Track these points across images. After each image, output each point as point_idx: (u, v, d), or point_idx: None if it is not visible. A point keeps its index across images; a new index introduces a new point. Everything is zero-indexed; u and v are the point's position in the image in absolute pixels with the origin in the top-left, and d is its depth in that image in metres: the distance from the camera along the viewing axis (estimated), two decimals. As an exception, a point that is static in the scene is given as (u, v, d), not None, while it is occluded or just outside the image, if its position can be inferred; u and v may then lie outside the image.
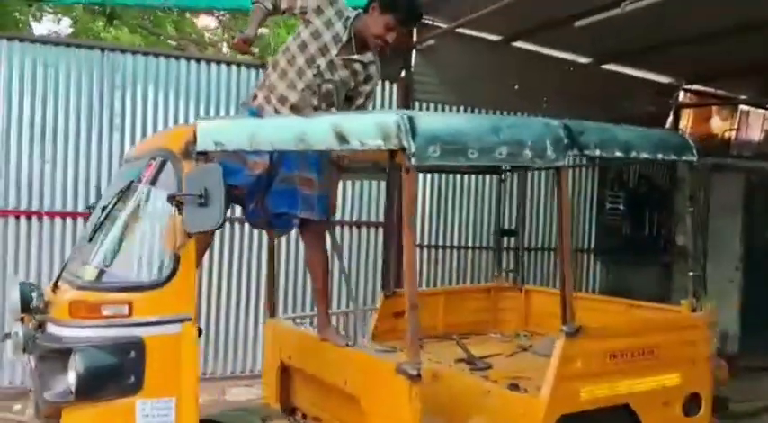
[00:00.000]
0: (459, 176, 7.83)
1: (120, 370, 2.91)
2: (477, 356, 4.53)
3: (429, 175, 7.75)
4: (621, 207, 8.84)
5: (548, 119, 3.78)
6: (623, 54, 8.53)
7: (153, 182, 3.09)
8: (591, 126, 3.86)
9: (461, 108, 8.21)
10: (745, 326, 9.14)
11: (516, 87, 8.38)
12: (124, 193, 3.18)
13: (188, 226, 2.81)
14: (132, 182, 3.22)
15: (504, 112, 8.25)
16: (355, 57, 3.95)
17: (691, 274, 4.18)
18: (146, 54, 6.99)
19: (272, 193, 3.82)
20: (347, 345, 3.87)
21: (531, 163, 3.61)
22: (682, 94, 9.49)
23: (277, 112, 3.88)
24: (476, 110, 8.29)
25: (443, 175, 7.87)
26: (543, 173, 7.92)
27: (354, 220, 7.77)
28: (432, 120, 3.63)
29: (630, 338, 3.86)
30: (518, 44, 8.38)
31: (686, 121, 9.61)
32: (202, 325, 7.04)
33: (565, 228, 3.68)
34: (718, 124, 9.84)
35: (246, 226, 6.85)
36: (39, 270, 6.47)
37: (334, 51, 3.90)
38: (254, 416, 4.11)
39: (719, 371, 8.64)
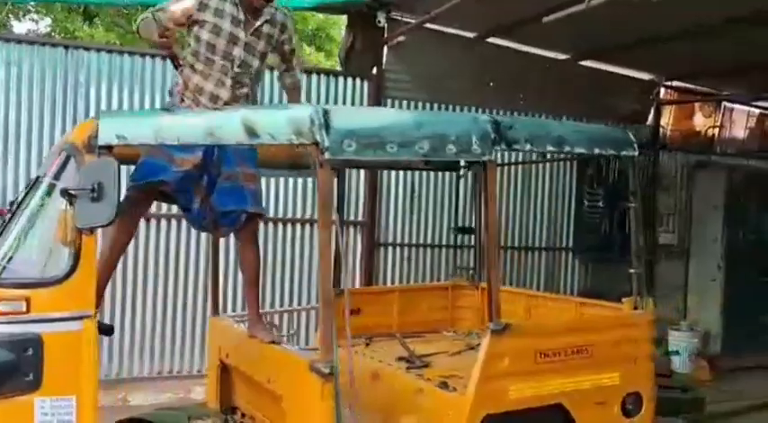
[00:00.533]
0: (431, 173, 7.75)
1: (17, 367, 2.86)
2: (417, 355, 4.47)
3: (402, 173, 7.69)
4: (601, 204, 8.72)
5: (480, 114, 3.72)
6: (602, 50, 8.42)
7: (56, 176, 3.03)
8: (522, 121, 3.81)
9: (434, 105, 8.12)
10: (728, 325, 9.02)
11: (492, 84, 8.30)
12: (30, 189, 3.14)
13: (79, 221, 2.76)
14: (38, 177, 3.18)
15: (480, 109, 8.18)
16: (258, 23, 3.93)
17: (632, 271, 4.08)
18: (110, 52, 6.96)
19: (219, 192, 3.79)
20: (273, 341, 3.81)
21: (455, 158, 3.55)
22: (663, 90, 9.36)
23: None
24: (450, 107, 8.20)
25: (416, 173, 7.81)
26: (507, 168, 7.86)
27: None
28: (349, 114, 3.57)
29: (563, 337, 3.77)
30: (493, 40, 8.29)
31: (668, 117, 9.47)
32: (168, 324, 7.06)
33: (491, 224, 3.60)
34: (701, 121, 9.70)
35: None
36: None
37: (242, 34, 3.88)
38: (182, 414, 4.06)
39: (700, 371, 8.60)
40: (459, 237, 6.29)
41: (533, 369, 3.65)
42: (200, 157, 3.70)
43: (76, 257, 2.90)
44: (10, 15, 10.93)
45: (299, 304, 7.15)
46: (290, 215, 7.54)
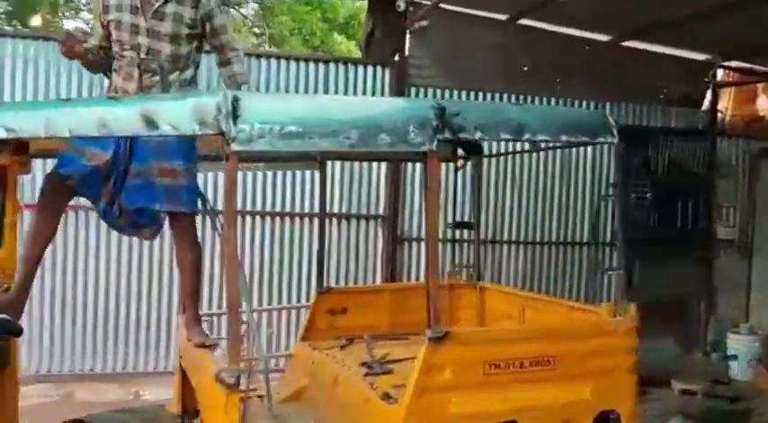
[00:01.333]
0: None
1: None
2: (386, 360, 4.16)
3: (410, 166, 7.35)
4: (648, 196, 8.05)
5: (421, 99, 3.38)
6: (647, 29, 7.75)
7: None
8: (472, 105, 3.47)
9: (461, 93, 7.71)
10: (794, 329, 8.18)
11: (525, 69, 7.81)
12: None
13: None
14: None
15: (512, 96, 7.73)
16: (158, 4, 3.69)
17: (610, 273, 3.62)
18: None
19: (127, 190, 3.60)
20: (201, 345, 3.60)
21: (390, 147, 3.20)
22: (720, 71, 8.55)
23: None
24: (478, 95, 7.77)
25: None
26: (505, 159, 7.40)
27: (352, 212, 7.49)
28: (265, 101, 3.28)
29: (518, 345, 3.38)
30: (526, 22, 7.79)
31: (727, 101, 8.65)
32: (120, 320, 6.97)
33: (431, 220, 3.25)
34: (765, 105, 8.81)
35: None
36: None
37: (142, 21, 3.67)
38: (133, 418, 3.92)
39: (761, 379, 7.83)
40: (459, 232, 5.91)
41: (482, 382, 3.29)
42: (110, 154, 3.52)
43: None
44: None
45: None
46: (288, 209, 7.40)
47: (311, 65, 7.32)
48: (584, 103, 8.02)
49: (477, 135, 3.31)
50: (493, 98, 7.78)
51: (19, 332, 3.20)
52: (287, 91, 7.17)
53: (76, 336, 6.92)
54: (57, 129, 2.89)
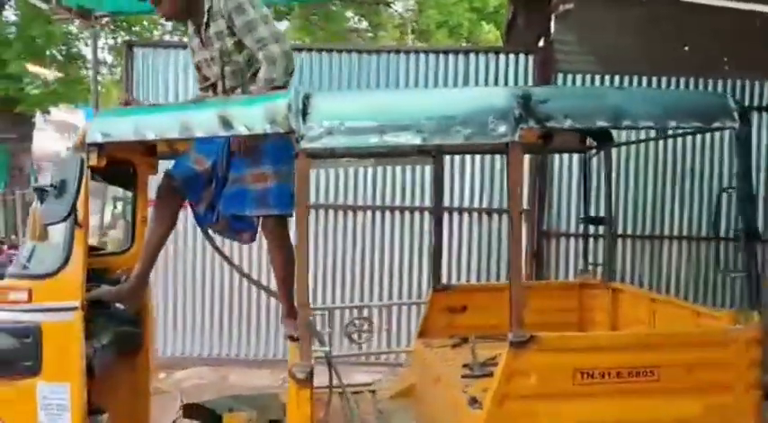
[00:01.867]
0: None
1: (21, 351, 3.11)
2: (485, 362, 3.99)
3: (557, 156, 6.96)
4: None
5: (506, 87, 3.19)
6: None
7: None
8: (564, 91, 3.21)
9: (615, 78, 7.20)
10: None
11: (687, 48, 7.13)
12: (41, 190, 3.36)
13: (43, 217, 2.89)
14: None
15: (672, 80, 7.12)
16: (203, 31, 3.77)
17: (731, 275, 3.20)
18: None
19: (224, 196, 3.74)
20: (290, 337, 3.65)
21: (468, 140, 3.05)
22: None
23: None
24: (633, 79, 7.21)
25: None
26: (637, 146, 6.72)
27: (493, 206, 7.29)
28: (334, 98, 3.25)
29: (614, 353, 3.08)
30: (686, -4, 7.09)
31: None
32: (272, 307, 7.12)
33: (514, 217, 3.05)
34: None
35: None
36: None
37: (200, 54, 3.84)
38: (246, 404, 4.10)
39: None
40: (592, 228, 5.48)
41: (572, 391, 3.04)
42: (212, 162, 3.69)
43: (69, 252, 3.07)
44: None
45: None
46: (398, 203, 7.29)
47: (450, 57, 7.18)
48: (757, 85, 7.19)
49: (567, 124, 3.06)
50: (649, 83, 7.20)
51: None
52: (426, 86, 7.11)
53: (233, 322, 7.37)
54: (145, 132, 3.08)
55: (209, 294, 7.35)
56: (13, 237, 10.81)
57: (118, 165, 4.19)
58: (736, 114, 3.14)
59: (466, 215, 7.26)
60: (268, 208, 3.69)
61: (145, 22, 11.26)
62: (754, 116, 7.19)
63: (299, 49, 7.52)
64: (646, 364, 3.05)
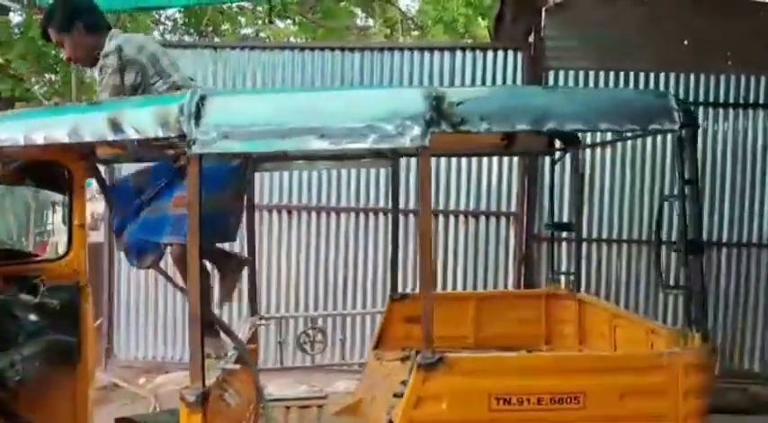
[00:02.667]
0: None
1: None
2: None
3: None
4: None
5: (415, 88, 2.95)
6: None
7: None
8: (482, 92, 2.93)
9: (609, 74, 6.85)
10: None
11: (686, 43, 6.75)
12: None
13: None
14: None
15: (673, 76, 6.76)
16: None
17: (670, 292, 2.91)
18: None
19: (143, 221, 3.64)
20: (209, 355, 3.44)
21: (376, 144, 2.81)
22: None
23: None
24: (629, 75, 6.86)
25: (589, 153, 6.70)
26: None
27: (481, 208, 6.99)
28: (231, 100, 3.01)
29: (533, 377, 2.81)
30: (685, -13, 6.73)
31: None
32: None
33: (423, 224, 2.80)
34: None
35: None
36: None
37: None
38: (172, 420, 3.92)
39: None
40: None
41: (489, 418, 2.79)
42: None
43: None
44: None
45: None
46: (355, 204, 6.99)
47: (437, 54, 6.92)
48: (764, 79, 6.77)
49: (483, 127, 2.80)
50: (647, 78, 6.84)
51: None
52: (412, 83, 6.85)
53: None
54: (34, 137, 2.91)
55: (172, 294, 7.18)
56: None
57: (50, 168, 4.09)
58: (677, 115, 2.84)
59: (452, 218, 6.97)
60: (180, 237, 3.37)
61: (145, 21, 11.19)
62: (760, 114, 6.81)
63: (282, 48, 7.36)
64: (570, 390, 2.78)
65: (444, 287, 6.88)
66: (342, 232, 6.96)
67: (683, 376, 2.79)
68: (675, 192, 6.53)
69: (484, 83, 6.87)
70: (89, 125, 2.86)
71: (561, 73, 6.86)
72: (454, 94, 2.86)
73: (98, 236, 7.55)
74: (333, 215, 6.96)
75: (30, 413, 3.78)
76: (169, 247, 3.63)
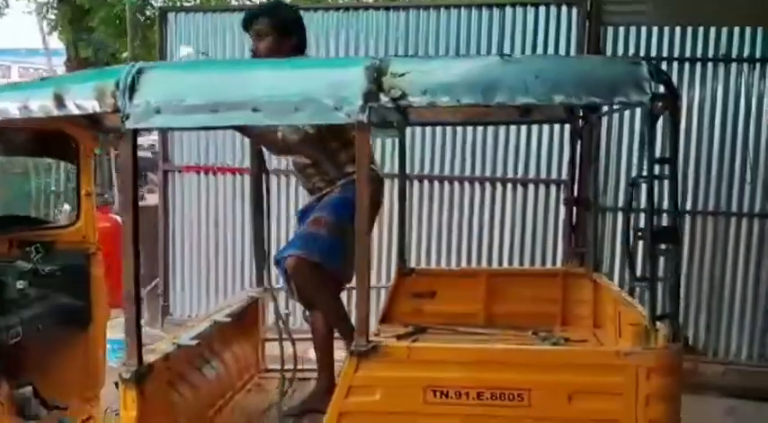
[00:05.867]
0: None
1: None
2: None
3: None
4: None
5: (361, 58, 2.76)
6: None
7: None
8: (427, 62, 2.67)
9: (675, 31, 6.27)
10: None
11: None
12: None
13: None
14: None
15: (747, 30, 6.11)
16: None
17: (637, 285, 2.63)
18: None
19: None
20: None
21: (310, 119, 2.66)
22: None
23: None
24: (709, 31, 6.25)
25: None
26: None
27: (529, 176, 6.66)
28: (168, 72, 2.90)
29: (474, 370, 2.60)
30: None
31: None
32: None
33: (360, 205, 2.62)
34: None
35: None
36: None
37: None
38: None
39: None
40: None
41: (423, 411, 2.62)
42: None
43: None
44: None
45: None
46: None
47: (484, 12, 6.56)
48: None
49: (425, 101, 2.57)
50: (718, 35, 6.22)
51: None
52: (458, 45, 6.56)
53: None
54: (-2, 114, 2.94)
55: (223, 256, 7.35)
56: (105, 195, 11.36)
57: (58, 139, 4.19)
58: (648, 86, 2.50)
59: (499, 185, 6.68)
60: (302, 250, 3.48)
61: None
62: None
63: (327, 9, 7.21)
64: (514, 386, 2.57)
65: (490, 259, 6.65)
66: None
67: (643, 379, 2.51)
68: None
69: (535, 43, 6.48)
70: (37, 100, 2.86)
71: (622, 30, 6.37)
72: (399, 64, 2.64)
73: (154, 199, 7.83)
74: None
75: (38, 374, 3.94)
76: (288, 259, 3.52)
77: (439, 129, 6.39)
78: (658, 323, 2.60)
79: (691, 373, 6.16)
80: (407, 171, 4.56)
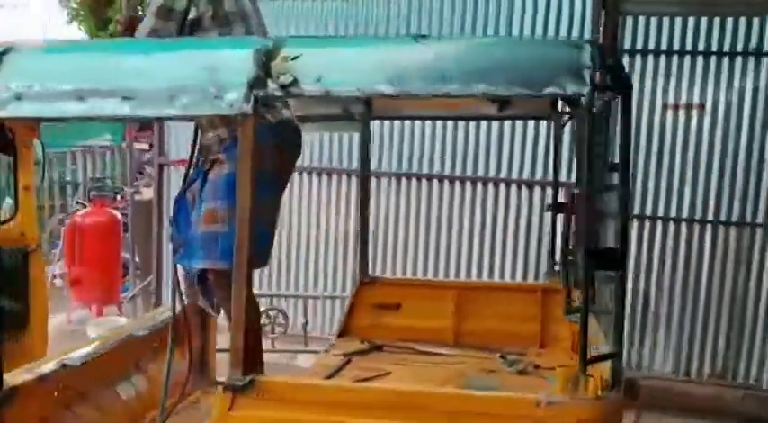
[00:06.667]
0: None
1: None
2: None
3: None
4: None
5: (251, 39, 2.37)
6: None
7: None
8: (327, 45, 2.24)
9: (701, 20, 5.67)
10: None
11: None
12: None
13: None
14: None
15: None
16: None
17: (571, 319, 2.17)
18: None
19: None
20: None
21: (188, 111, 2.26)
22: None
23: None
24: (738, 21, 5.63)
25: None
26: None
27: (536, 178, 6.13)
28: (36, 55, 2.50)
29: (364, 413, 2.17)
30: None
31: None
32: None
33: (241, 205, 2.20)
34: None
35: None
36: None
37: None
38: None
39: None
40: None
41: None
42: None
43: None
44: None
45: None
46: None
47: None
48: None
49: (320, 89, 2.14)
50: (749, 26, 5.59)
51: None
52: (462, 28, 6.07)
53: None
54: None
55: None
56: (125, 187, 11.22)
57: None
58: (587, 76, 2.02)
59: (480, 185, 6.17)
60: (213, 260, 2.90)
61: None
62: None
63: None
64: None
65: (468, 269, 6.15)
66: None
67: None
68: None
69: (545, 33, 5.96)
70: None
71: (642, 20, 5.78)
72: (293, 46, 2.22)
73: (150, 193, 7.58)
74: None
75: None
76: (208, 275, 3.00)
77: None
78: (598, 366, 2.13)
79: (710, 398, 5.70)
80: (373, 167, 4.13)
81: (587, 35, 5.79)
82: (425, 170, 6.18)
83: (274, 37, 2.35)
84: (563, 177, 5.92)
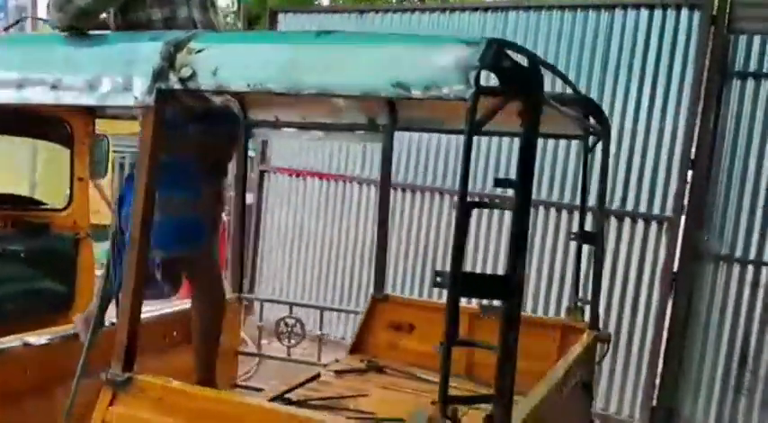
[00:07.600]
0: None
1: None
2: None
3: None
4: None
5: (161, 33, 2.36)
6: None
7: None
8: (236, 39, 2.17)
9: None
10: None
11: None
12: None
13: None
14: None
15: None
16: None
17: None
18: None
19: None
20: None
21: (103, 102, 2.28)
22: None
23: None
24: None
25: None
26: None
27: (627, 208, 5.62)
28: None
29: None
30: None
31: None
32: None
33: (137, 213, 2.17)
34: None
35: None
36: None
37: None
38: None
39: None
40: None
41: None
42: None
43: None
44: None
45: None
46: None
47: (591, 13, 5.64)
48: None
49: (213, 83, 2.07)
50: None
51: None
52: (557, 51, 5.71)
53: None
54: None
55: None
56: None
57: (51, 122, 4.19)
58: (473, 77, 1.79)
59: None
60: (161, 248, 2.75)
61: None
62: None
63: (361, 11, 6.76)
64: None
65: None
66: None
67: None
68: None
69: (646, 51, 5.47)
70: None
71: (757, 40, 5.14)
72: (203, 39, 2.18)
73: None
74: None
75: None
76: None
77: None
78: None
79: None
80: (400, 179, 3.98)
81: (692, 54, 5.23)
82: (449, 185, 5.95)
83: (193, 31, 2.30)
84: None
